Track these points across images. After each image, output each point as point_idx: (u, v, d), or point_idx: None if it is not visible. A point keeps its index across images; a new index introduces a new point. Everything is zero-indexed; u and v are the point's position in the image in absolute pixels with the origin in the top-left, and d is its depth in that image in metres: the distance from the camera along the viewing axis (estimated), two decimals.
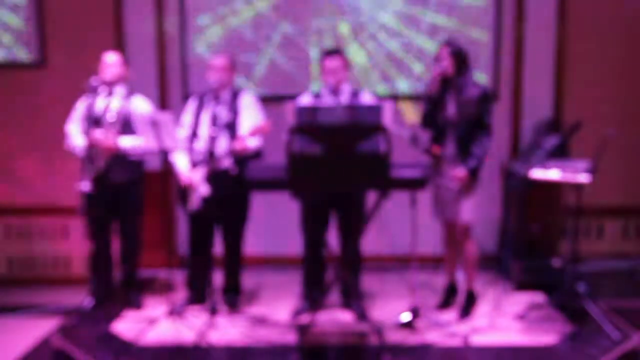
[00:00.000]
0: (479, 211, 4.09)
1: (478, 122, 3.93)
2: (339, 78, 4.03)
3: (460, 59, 3.93)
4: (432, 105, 3.98)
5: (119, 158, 4.08)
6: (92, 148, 3.99)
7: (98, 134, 4.00)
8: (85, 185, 3.91)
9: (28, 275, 5.05)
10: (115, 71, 4.14)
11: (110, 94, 4.15)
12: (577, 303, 4.03)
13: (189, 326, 3.85)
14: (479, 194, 4.06)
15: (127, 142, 4.07)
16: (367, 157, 3.36)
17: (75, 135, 4.15)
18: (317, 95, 4.12)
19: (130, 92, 4.20)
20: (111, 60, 4.17)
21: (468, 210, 3.99)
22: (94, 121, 4.07)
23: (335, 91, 4.02)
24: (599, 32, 5.00)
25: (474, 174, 3.94)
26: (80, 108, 4.16)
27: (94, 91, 4.04)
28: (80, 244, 4.88)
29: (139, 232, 4.34)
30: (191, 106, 4.23)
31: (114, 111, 4.08)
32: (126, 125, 4.07)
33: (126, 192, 4.18)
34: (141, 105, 4.18)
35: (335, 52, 4.12)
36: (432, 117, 4.00)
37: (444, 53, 3.93)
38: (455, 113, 3.93)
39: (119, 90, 4.16)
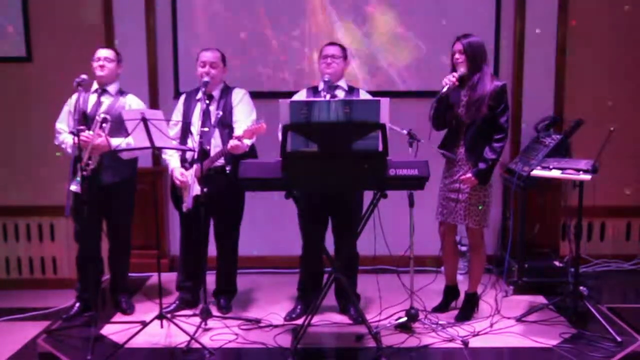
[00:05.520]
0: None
1: (492, 123, 3.75)
2: (335, 69, 3.93)
3: (473, 54, 3.73)
4: (443, 104, 3.81)
5: (110, 158, 3.95)
6: (82, 148, 3.82)
7: (88, 133, 3.86)
8: (75, 186, 3.76)
9: (13, 277, 4.93)
10: (109, 68, 4.01)
11: (102, 91, 4.03)
12: (579, 305, 3.98)
13: (181, 329, 3.75)
14: (491, 198, 3.93)
15: (118, 142, 3.94)
16: (363, 155, 3.27)
17: (65, 134, 4.03)
18: (314, 92, 4.01)
19: (122, 90, 4.09)
20: (105, 55, 4.03)
21: (478, 216, 3.87)
22: (84, 120, 3.92)
23: (332, 87, 3.91)
24: (601, 28, 4.96)
25: (482, 178, 3.79)
26: (69, 105, 4.03)
27: (85, 88, 3.88)
28: (67, 245, 4.79)
29: (128, 234, 4.23)
30: (182, 104, 4.14)
31: (105, 110, 3.96)
32: (118, 125, 3.90)
33: (117, 193, 4.05)
34: (134, 104, 4.06)
35: (335, 43, 4.09)
36: (444, 117, 3.85)
37: (456, 49, 3.77)
38: (465, 112, 3.79)
39: (111, 88, 4.04)
